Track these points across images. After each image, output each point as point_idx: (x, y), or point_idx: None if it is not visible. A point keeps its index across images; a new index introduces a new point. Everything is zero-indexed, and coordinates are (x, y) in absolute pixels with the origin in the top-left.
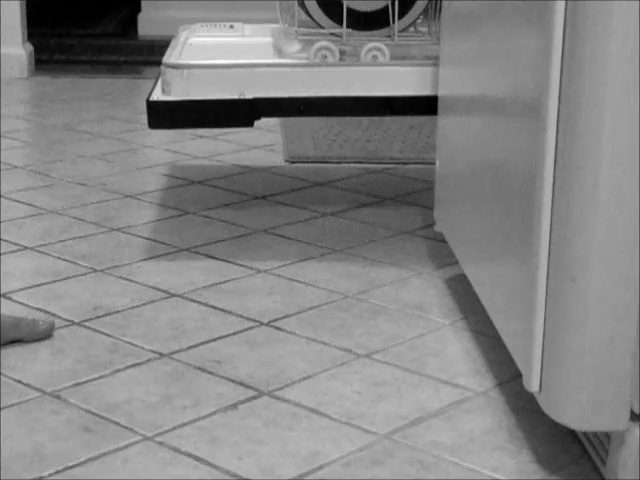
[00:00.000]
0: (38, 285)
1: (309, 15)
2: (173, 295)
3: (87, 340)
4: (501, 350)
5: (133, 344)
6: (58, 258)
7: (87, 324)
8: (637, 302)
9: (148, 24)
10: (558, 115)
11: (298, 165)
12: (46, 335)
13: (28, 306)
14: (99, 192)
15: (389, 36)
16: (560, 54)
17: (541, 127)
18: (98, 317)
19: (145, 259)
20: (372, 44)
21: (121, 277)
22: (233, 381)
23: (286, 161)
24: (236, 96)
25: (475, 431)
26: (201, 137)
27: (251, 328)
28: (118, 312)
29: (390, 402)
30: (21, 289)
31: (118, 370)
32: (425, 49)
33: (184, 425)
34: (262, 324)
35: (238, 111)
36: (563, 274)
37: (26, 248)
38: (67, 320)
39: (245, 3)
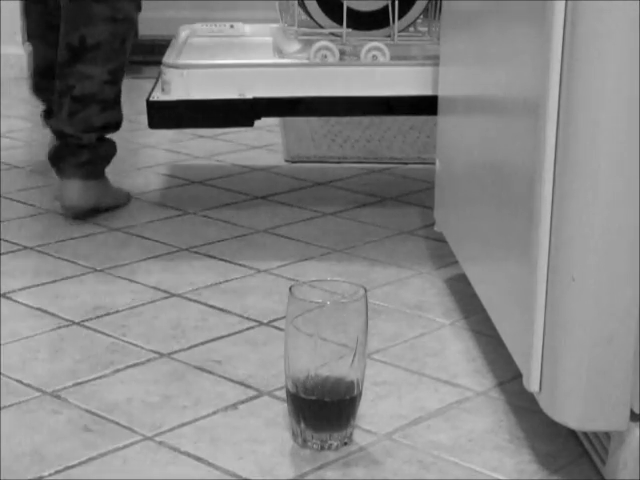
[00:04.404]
0: (38, 285)
1: (309, 15)
2: (173, 295)
3: (87, 340)
4: (501, 350)
5: (133, 344)
6: (58, 258)
7: (87, 324)
8: (637, 302)
9: (148, 24)
10: (558, 115)
11: (298, 165)
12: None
13: (28, 306)
14: None
15: (389, 36)
16: (560, 54)
17: (541, 127)
18: (98, 317)
19: (145, 259)
20: (372, 44)
21: (121, 277)
22: (233, 381)
23: (286, 161)
24: (236, 96)
25: (475, 431)
26: (201, 137)
27: (251, 328)
28: (118, 312)
29: (390, 402)
30: (21, 289)
31: (118, 370)
32: (425, 49)
33: (184, 425)
34: (262, 324)
35: (238, 111)
36: (563, 274)
37: (26, 248)
38: (67, 320)
39: (245, 3)
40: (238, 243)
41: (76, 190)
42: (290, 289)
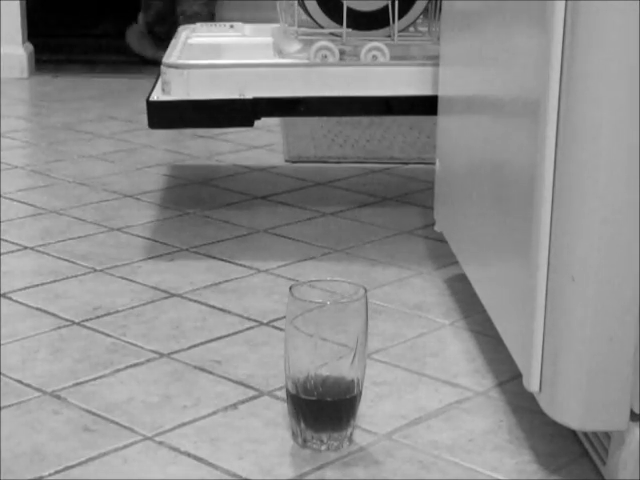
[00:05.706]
0: (38, 285)
1: (309, 15)
2: (173, 295)
3: (87, 340)
4: (501, 350)
5: (133, 344)
6: (58, 258)
7: (87, 324)
8: (637, 302)
9: None
10: (558, 115)
11: (298, 165)
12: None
13: (28, 306)
14: (99, 192)
15: (389, 36)
16: (560, 54)
17: (541, 127)
18: (98, 317)
19: (145, 259)
20: (372, 44)
21: (121, 277)
22: (233, 381)
23: (286, 161)
24: (236, 96)
25: (475, 431)
26: (201, 137)
27: (251, 328)
28: (118, 312)
29: (390, 402)
30: (21, 289)
31: (118, 370)
32: (425, 49)
33: (184, 425)
34: (262, 324)
35: (238, 111)
36: (563, 274)
37: (26, 248)
38: (67, 320)
39: (245, 3)
40: (238, 243)
41: None
42: (290, 289)
